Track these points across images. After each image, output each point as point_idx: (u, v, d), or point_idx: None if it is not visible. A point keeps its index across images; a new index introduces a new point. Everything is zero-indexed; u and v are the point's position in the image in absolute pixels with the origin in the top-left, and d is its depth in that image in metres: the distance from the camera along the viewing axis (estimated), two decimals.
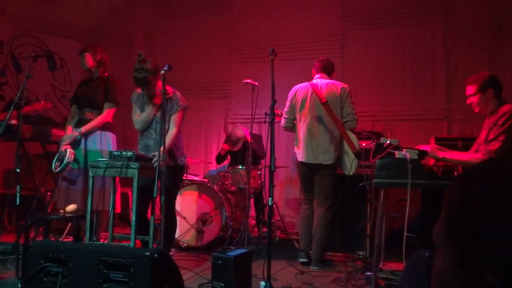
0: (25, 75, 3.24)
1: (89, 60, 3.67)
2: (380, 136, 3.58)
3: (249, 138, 4.76)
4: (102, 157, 3.35)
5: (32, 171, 4.11)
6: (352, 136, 3.56)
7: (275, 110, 2.93)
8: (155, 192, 2.75)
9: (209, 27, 6.41)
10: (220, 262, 2.45)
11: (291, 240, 4.66)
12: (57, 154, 3.48)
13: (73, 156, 3.43)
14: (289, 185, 5.77)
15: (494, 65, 4.98)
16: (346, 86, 3.69)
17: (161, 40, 6.57)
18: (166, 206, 2.87)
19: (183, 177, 4.60)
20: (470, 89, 2.94)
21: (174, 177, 3.23)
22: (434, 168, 3.51)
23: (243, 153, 5.00)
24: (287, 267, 3.62)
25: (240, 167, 4.61)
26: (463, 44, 5.26)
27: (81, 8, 6.27)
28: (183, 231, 4.23)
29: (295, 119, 3.77)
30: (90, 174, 2.89)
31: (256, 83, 4.24)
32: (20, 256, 2.91)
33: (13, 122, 3.66)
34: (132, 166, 2.81)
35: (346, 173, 3.60)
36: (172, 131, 3.23)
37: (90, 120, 3.60)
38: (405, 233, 2.81)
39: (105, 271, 2.09)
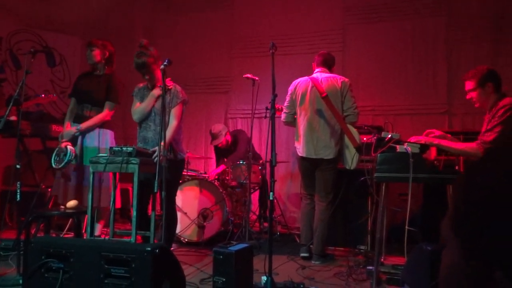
0: (24, 71, 3.22)
1: (96, 55, 3.64)
2: (381, 131, 3.56)
3: (248, 134, 4.74)
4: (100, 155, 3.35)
5: (32, 167, 4.10)
6: (353, 131, 3.54)
7: (276, 105, 2.91)
8: (155, 187, 2.74)
9: (210, 23, 6.38)
10: (221, 257, 2.45)
11: (292, 235, 4.66)
12: (56, 150, 3.47)
13: (74, 153, 3.42)
14: (290, 180, 5.77)
15: (496, 60, 4.96)
16: (346, 79, 3.66)
17: (162, 36, 6.54)
18: (167, 201, 2.86)
19: (184, 173, 4.61)
20: (469, 84, 2.93)
21: (174, 171, 3.21)
22: (435, 162, 3.51)
23: (228, 150, 4.97)
24: (289, 261, 3.62)
25: (241, 162, 4.59)
26: (465, 38, 5.24)
27: (80, 5, 6.24)
28: (184, 226, 4.23)
29: (295, 113, 3.75)
30: (91, 169, 2.88)
31: (257, 78, 4.22)
32: (21, 252, 2.91)
33: (13, 118, 3.65)
34: (133, 161, 2.80)
35: (347, 167, 3.58)
36: (172, 124, 3.21)
37: (89, 117, 3.58)
38: (406, 227, 2.80)
39: (106, 266, 2.09)
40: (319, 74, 3.72)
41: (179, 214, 4.20)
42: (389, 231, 3.70)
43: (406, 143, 2.80)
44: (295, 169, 5.50)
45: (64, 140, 3.48)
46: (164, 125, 2.88)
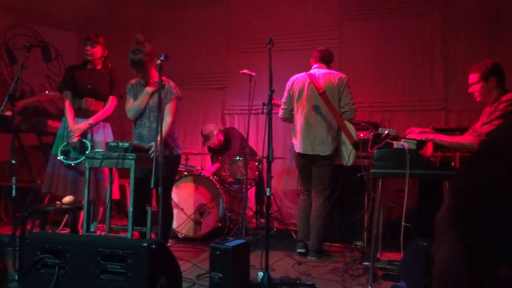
0: (19, 66, 3.19)
1: (97, 52, 3.60)
2: (378, 127, 3.57)
3: (244, 133, 4.72)
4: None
5: (28, 163, 4.09)
6: (350, 127, 3.54)
7: (273, 100, 2.91)
8: (152, 183, 2.73)
9: (206, 18, 6.34)
10: (218, 252, 2.44)
11: (289, 230, 4.66)
12: (64, 144, 3.44)
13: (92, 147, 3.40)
14: (287, 176, 5.76)
15: (493, 56, 4.95)
16: (344, 76, 3.66)
17: (158, 32, 6.49)
18: (163, 197, 2.85)
19: (181, 169, 4.60)
20: (473, 77, 2.90)
21: (169, 167, 3.21)
22: (431, 158, 3.51)
23: (222, 148, 4.96)
24: (285, 257, 3.63)
25: (237, 158, 4.59)
26: (462, 35, 5.24)
27: (76, 0, 6.19)
28: (181, 222, 4.23)
29: (292, 109, 3.75)
30: (87, 165, 2.87)
31: (253, 74, 4.21)
32: (17, 248, 2.90)
33: (8, 113, 3.62)
34: (129, 157, 2.79)
35: (344, 163, 3.59)
36: (167, 120, 3.20)
37: (93, 110, 3.55)
38: (402, 223, 2.81)
39: (102, 262, 2.08)
40: (317, 70, 3.71)
41: (176, 210, 4.20)
42: (386, 227, 3.71)
43: (403, 139, 2.80)
44: (292, 165, 5.50)
45: (75, 134, 3.42)
46: (160, 120, 2.87)
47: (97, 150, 2.99)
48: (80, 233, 3.12)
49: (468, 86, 2.99)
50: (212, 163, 5.17)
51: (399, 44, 5.47)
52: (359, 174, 3.24)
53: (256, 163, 4.65)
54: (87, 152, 3.28)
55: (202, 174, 4.45)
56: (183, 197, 4.31)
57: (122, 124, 5.77)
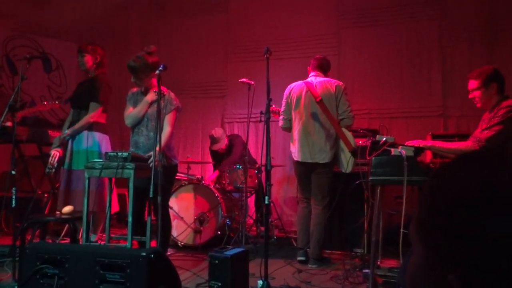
0: (19, 77, 3.22)
1: (88, 61, 3.63)
2: (377, 134, 3.58)
3: (243, 138, 4.75)
4: (91, 158, 3.35)
5: (28, 173, 4.10)
6: (348, 134, 3.56)
7: (271, 107, 2.93)
8: (151, 192, 2.74)
9: (205, 27, 6.40)
10: (217, 261, 2.45)
11: (289, 238, 4.66)
12: (50, 157, 3.50)
13: (56, 158, 3.44)
14: (286, 183, 5.77)
15: (490, 62, 4.95)
16: (341, 83, 3.68)
17: (157, 41, 6.52)
18: (161, 206, 2.86)
19: (182, 177, 4.62)
20: (473, 83, 2.91)
21: (167, 177, 3.22)
22: (431, 165, 3.51)
23: (224, 154, 4.97)
24: (285, 265, 3.62)
25: (237, 166, 4.60)
26: (459, 41, 5.27)
27: (76, 10, 6.25)
28: (181, 231, 4.23)
29: (291, 118, 3.76)
30: (86, 175, 2.88)
31: (252, 82, 4.23)
32: (17, 259, 2.90)
33: (8, 124, 3.65)
34: (128, 166, 2.81)
35: (343, 170, 3.60)
36: (166, 130, 3.22)
37: (79, 120, 3.60)
38: (402, 230, 2.81)
39: (101, 272, 2.08)
40: (314, 78, 3.73)
41: (175, 219, 4.20)
42: (385, 234, 3.70)
43: (401, 146, 2.81)
44: (291, 173, 5.50)
45: (54, 146, 3.51)
46: (159, 130, 2.88)
47: (96, 160, 3.00)
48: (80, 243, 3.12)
49: (467, 91, 2.99)
50: (214, 169, 5.19)
51: (397, 51, 5.50)
52: (357, 182, 3.25)
53: (256, 171, 4.66)
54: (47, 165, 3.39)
55: (202, 183, 4.46)
56: (183, 206, 4.31)
57: (122, 133, 5.80)
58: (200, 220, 4.23)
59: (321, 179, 3.62)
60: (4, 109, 3.28)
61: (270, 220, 4.79)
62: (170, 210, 3.79)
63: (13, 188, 3.04)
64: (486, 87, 2.85)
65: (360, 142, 3.59)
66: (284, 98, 3.79)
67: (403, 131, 5.24)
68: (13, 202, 3.04)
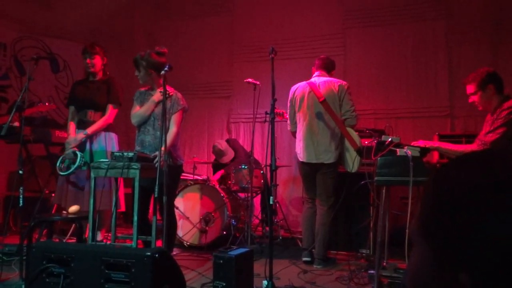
0: (27, 78, 3.25)
1: (98, 61, 3.67)
2: (383, 134, 3.56)
3: (249, 144, 4.74)
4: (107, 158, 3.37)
5: (35, 173, 4.13)
6: (354, 133, 3.55)
7: (276, 109, 2.93)
8: (156, 192, 2.75)
9: (210, 28, 6.41)
10: (221, 261, 2.45)
11: (295, 239, 4.65)
12: (62, 156, 3.49)
13: (83, 158, 3.44)
14: (292, 184, 5.76)
15: (497, 62, 4.95)
16: (344, 83, 3.67)
17: (163, 42, 6.53)
18: (167, 206, 2.87)
19: (188, 177, 4.63)
20: (470, 88, 2.89)
21: (172, 177, 3.23)
22: (437, 165, 3.49)
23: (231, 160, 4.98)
24: (290, 266, 3.62)
25: (243, 166, 4.60)
26: (466, 41, 5.23)
27: (83, 11, 6.29)
28: (187, 230, 4.24)
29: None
30: (92, 175, 2.90)
31: (258, 82, 4.24)
32: (24, 258, 2.93)
33: (16, 124, 3.68)
34: (134, 166, 2.82)
35: (349, 170, 3.58)
36: (172, 130, 3.24)
37: (94, 121, 3.61)
38: (407, 230, 2.80)
39: (106, 271, 2.10)
40: (317, 78, 3.72)
41: (181, 219, 4.22)
42: (391, 235, 3.68)
43: (406, 147, 2.79)
44: (297, 173, 5.48)
45: (71, 146, 3.49)
46: (164, 130, 2.90)
47: (102, 160, 3.02)
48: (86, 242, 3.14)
49: (468, 97, 2.98)
50: (214, 172, 5.19)
51: (403, 51, 5.48)
52: (362, 182, 3.24)
53: (261, 172, 4.66)
54: (75, 165, 3.31)
55: (207, 183, 4.47)
56: (189, 205, 4.32)
57: (128, 133, 5.82)
58: (206, 220, 4.24)
59: (326, 179, 3.61)
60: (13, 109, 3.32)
61: (275, 220, 4.79)
62: (176, 210, 3.81)
63: (21, 188, 3.07)
64: (483, 90, 2.82)
65: (366, 142, 3.58)
66: (289, 100, 3.79)
67: (409, 131, 5.21)
68: (21, 201, 3.07)
